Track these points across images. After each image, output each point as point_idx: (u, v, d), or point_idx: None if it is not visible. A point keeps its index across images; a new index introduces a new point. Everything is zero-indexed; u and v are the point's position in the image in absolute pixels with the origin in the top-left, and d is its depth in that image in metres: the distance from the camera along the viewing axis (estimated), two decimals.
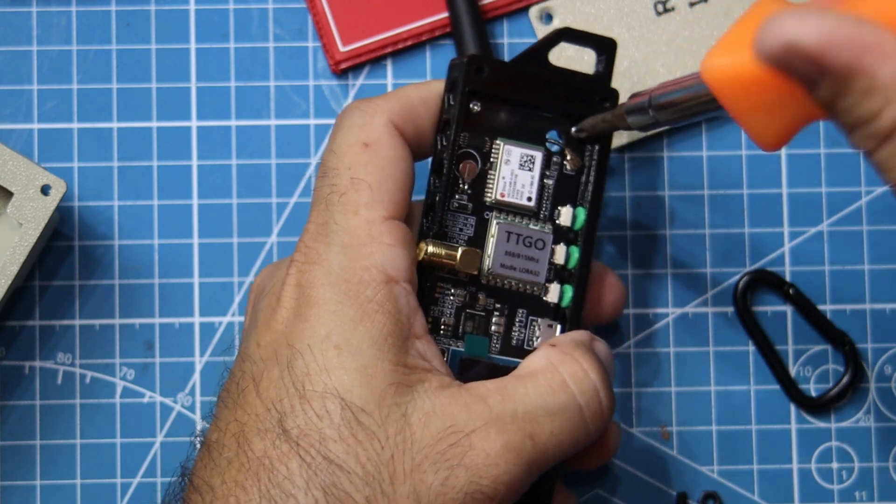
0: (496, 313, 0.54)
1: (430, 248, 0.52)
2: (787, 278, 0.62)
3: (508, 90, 0.54)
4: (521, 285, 0.54)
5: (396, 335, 0.49)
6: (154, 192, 0.62)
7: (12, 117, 0.62)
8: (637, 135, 0.62)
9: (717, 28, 0.62)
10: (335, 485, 0.47)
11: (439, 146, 0.54)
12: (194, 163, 0.62)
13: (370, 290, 0.50)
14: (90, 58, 0.62)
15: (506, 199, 0.54)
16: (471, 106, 0.53)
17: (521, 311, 0.54)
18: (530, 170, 0.54)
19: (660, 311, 0.62)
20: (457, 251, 0.52)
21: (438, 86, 0.54)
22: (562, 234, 0.54)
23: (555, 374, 0.51)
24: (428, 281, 0.53)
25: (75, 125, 0.62)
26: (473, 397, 0.49)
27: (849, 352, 0.62)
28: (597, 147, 0.55)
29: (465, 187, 0.54)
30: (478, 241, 0.54)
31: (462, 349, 0.53)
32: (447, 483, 0.48)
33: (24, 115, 0.62)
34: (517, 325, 0.54)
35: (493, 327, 0.54)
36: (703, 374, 0.62)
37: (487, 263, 0.53)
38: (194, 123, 0.62)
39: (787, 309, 0.62)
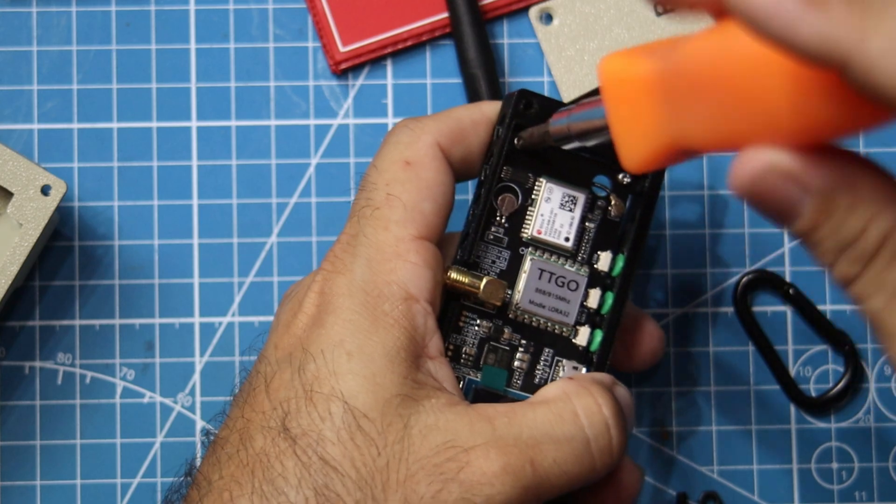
0: (521, 349, 0.53)
1: (453, 275, 0.52)
2: (787, 278, 0.62)
3: None
4: (549, 324, 0.54)
5: (409, 350, 0.49)
6: (154, 192, 0.62)
7: (12, 117, 0.62)
8: None
9: None
10: (327, 486, 0.47)
11: (483, 176, 0.53)
12: (194, 163, 0.62)
13: (388, 305, 0.50)
14: (90, 58, 0.62)
15: (542, 236, 0.53)
16: (516, 140, 0.53)
17: (547, 350, 0.54)
18: (571, 210, 0.54)
19: (660, 311, 0.62)
20: (481, 280, 0.52)
21: (491, 108, 0.54)
22: (598, 279, 0.54)
23: (567, 404, 0.50)
24: (454, 308, 0.53)
25: (75, 125, 0.62)
26: (479, 416, 0.49)
27: (849, 352, 0.62)
28: (643, 196, 0.54)
29: (503, 221, 0.53)
30: (510, 275, 0.53)
31: (479, 380, 0.53)
32: (439, 496, 0.47)
33: (24, 115, 0.62)
34: (542, 363, 0.54)
35: (516, 363, 0.53)
36: (703, 374, 0.62)
37: (516, 298, 0.53)
38: (194, 123, 0.62)
39: (787, 309, 0.62)
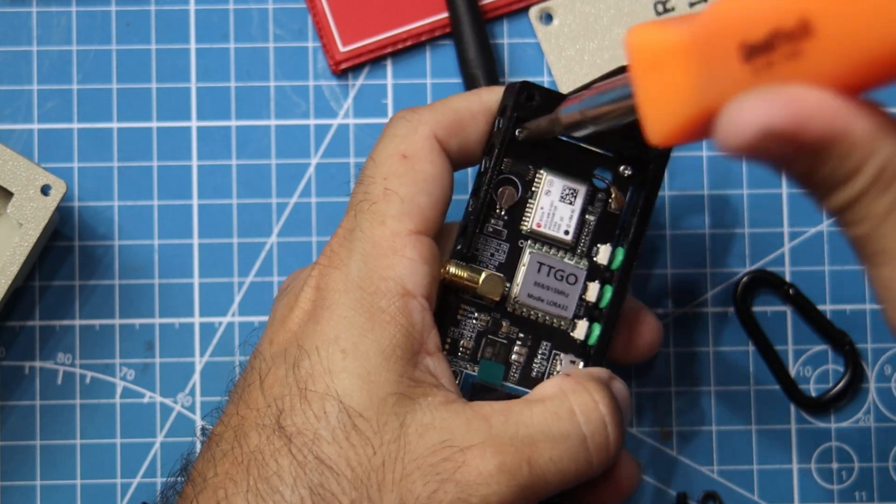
0: (518, 343, 0.53)
1: (452, 269, 0.52)
2: (787, 278, 0.62)
3: None
4: (547, 318, 0.53)
5: (405, 348, 0.49)
6: (154, 192, 0.62)
7: (12, 117, 0.62)
8: None
9: None
10: (322, 485, 0.47)
11: (482, 168, 0.53)
12: (194, 163, 0.62)
13: (384, 301, 0.50)
14: (90, 58, 0.62)
15: (542, 229, 0.53)
16: (517, 133, 0.53)
17: (545, 343, 0.53)
18: (571, 203, 0.53)
19: (660, 311, 0.62)
20: (480, 275, 0.52)
21: (490, 97, 0.53)
22: (598, 272, 0.54)
23: (563, 402, 0.50)
24: (452, 301, 0.52)
25: (75, 125, 0.62)
26: (476, 415, 0.49)
27: (849, 352, 0.62)
28: (644, 189, 0.53)
29: (502, 213, 0.53)
30: (509, 268, 0.53)
31: (476, 374, 0.53)
32: (434, 496, 0.47)
33: (24, 115, 0.62)
34: (539, 357, 0.53)
35: (513, 356, 0.53)
36: (703, 374, 0.62)
37: (515, 291, 0.53)
38: (194, 123, 0.62)
39: (787, 309, 0.62)
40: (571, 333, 0.54)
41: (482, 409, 0.49)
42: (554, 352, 0.54)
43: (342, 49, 0.62)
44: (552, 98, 0.52)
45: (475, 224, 0.53)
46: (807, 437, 0.62)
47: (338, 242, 0.51)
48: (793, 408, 0.62)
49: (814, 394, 0.62)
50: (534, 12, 0.62)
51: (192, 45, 0.62)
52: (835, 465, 0.62)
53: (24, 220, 0.57)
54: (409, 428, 0.48)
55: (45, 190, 0.57)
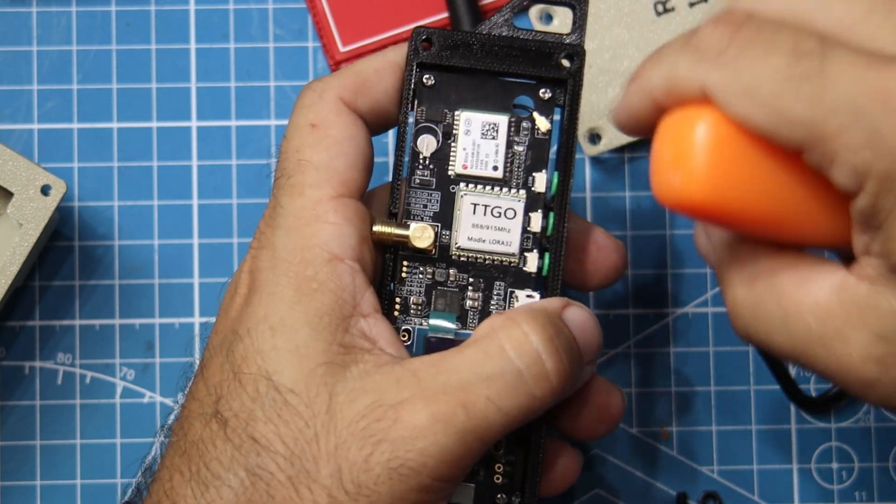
0: (470, 288, 0.52)
1: (377, 228, 0.51)
2: None
3: (466, 59, 0.52)
4: (493, 258, 0.52)
5: (335, 314, 0.49)
6: (154, 192, 0.62)
7: (12, 117, 0.62)
8: None
9: None
10: (259, 465, 0.47)
11: (399, 124, 0.52)
12: (194, 163, 0.62)
13: (310, 269, 0.49)
14: (90, 58, 0.62)
15: (468, 170, 0.52)
16: (424, 79, 0.52)
17: (498, 283, 0.52)
18: (494, 138, 0.52)
19: (660, 311, 0.62)
20: (407, 227, 0.51)
21: (396, 53, 0.52)
22: (539, 201, 0.52)
23: (493, 340, 0.49)
24: (392, 260, 0.52)
25: (75, 125, 0.62)
26: (406, 371, 0.48)
27: None
28: (567, 107, 0.52)
29: (427, 163, 0.52)
30: (445, 216, 0.52)
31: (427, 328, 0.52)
32: (370, 459, 0.46)
33: (24, 115, 0.62)
34: (495, 298, 0.52)
35: (469, 303, 0.52)
36: (703, 374, 0.62)
37: (455, 238, 0.52)
38: (194, 123, 0.62)
39: None
40: (524, 268, 0.52)
41: (412, 364, 0.48)
42: (509, 290, 0.52)
43: (342, 49, 0.62)
44: (455, 39, 0.52)
45: (396, 178, 0.52)
46: (807, 437, 0.62)
47: (264, 223, 0.51)
48: (793, 408, 0.62)
49: (814, 394, 0.62)
50: (534, 12, 0.62)
51: (192, 45, 0.62)
52: (835, 465, 0.62)
53: (24, 220, 0.57)
54: (339, 396, 0.47)
55: (45, 190, 0.57)
